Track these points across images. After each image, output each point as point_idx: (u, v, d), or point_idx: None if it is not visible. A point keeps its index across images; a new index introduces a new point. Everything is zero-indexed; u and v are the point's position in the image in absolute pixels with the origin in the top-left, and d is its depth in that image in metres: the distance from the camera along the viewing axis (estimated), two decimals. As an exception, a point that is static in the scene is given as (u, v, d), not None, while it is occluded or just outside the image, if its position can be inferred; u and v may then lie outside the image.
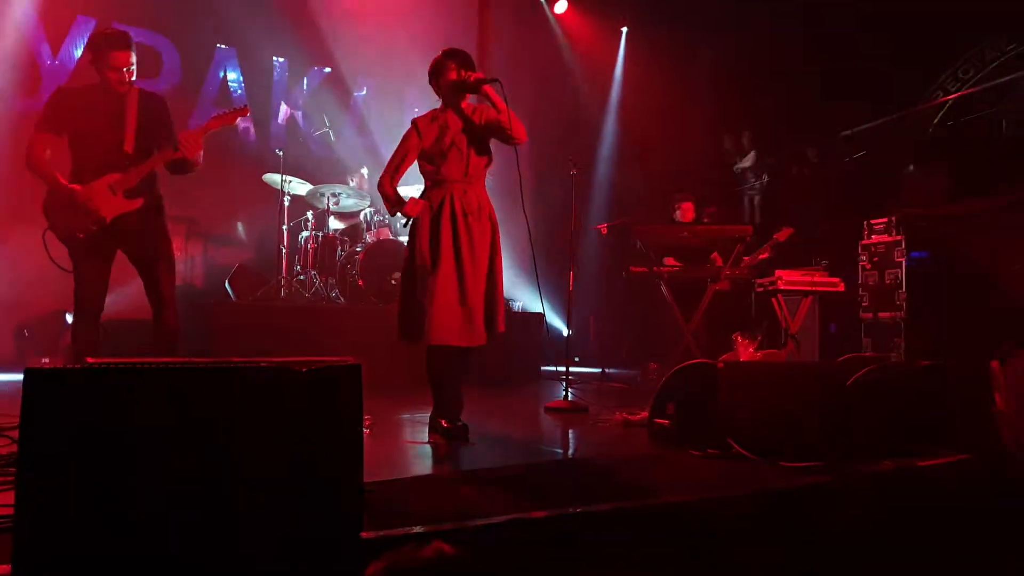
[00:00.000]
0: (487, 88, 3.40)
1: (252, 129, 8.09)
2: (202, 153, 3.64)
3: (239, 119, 3.88)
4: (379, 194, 3.54)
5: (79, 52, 7.28)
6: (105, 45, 3.53)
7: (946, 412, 3.54)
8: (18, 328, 6.60)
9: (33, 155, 3.55)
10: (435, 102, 3.60)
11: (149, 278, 3.70)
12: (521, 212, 3.66)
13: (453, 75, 3.45)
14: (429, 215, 3.42)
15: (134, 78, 3.60)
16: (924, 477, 2.90)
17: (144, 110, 3.64)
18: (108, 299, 3.72)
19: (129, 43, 3.56)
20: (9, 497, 1.64)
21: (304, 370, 1.83)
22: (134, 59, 3.56)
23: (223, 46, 7.97)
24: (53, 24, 7.15)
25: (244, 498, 1.64)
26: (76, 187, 3.51)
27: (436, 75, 3.52)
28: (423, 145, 3.46)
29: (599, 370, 7.07)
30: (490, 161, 3.58)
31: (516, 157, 3.48)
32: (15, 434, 1.81)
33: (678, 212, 6.68)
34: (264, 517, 1.63)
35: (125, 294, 4.56)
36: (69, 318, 6.69)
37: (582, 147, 8.64)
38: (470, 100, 3.57)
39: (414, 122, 3.52)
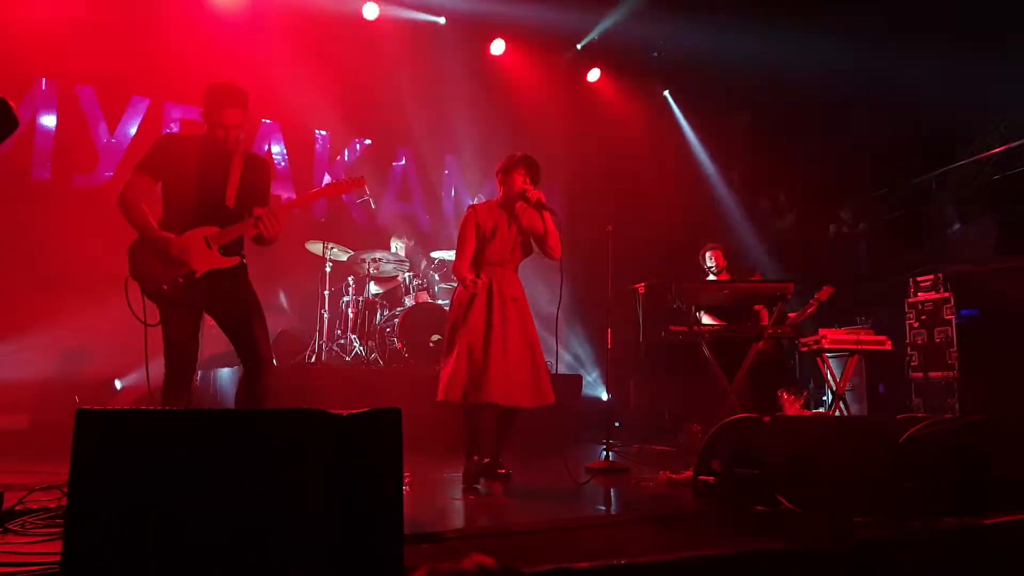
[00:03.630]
0: (545, 213, 3.92)
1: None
2: (280, 229, 3.42)
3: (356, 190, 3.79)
4: (455, 276, 3.97)
5: (133, 131, 7.63)
6: (219, 100, 3.35)
7: (1007, 468, 3.38)
8: (69, 395, 6.72)
9: (129, 196, 3.32)
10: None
11: (244, 338, 3.43)
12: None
13: (520, 180, 3.93)
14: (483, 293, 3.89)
15: (241, 137, 3.46)
16: (990, 535, 2.76)
17: (248, 170, 3.48)
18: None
19: (243, 101, 3.39)
20: (58, 546, 1.65)
21: (346, 414, 1.85)
22: (245, 119, 3.41)
23: (268, 120, 8.29)
24: (110, 104, 7.52)
25: (288, 540, 1.63)
26: (170, 236, 3.30)
27: (505, 172, 3.98)
28: (481, 230, 3.95)
29: (640, 436, 6.93)
30: (529, 253, 4.11)
31: (560, 279, 3.94)
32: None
33: (709, 259, 6.59)
34: (306, 558, 1.62)
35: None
36: (118, 384, 6.84)
37: (618, 205, 8.72)
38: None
39: (474, 208, 4.02)
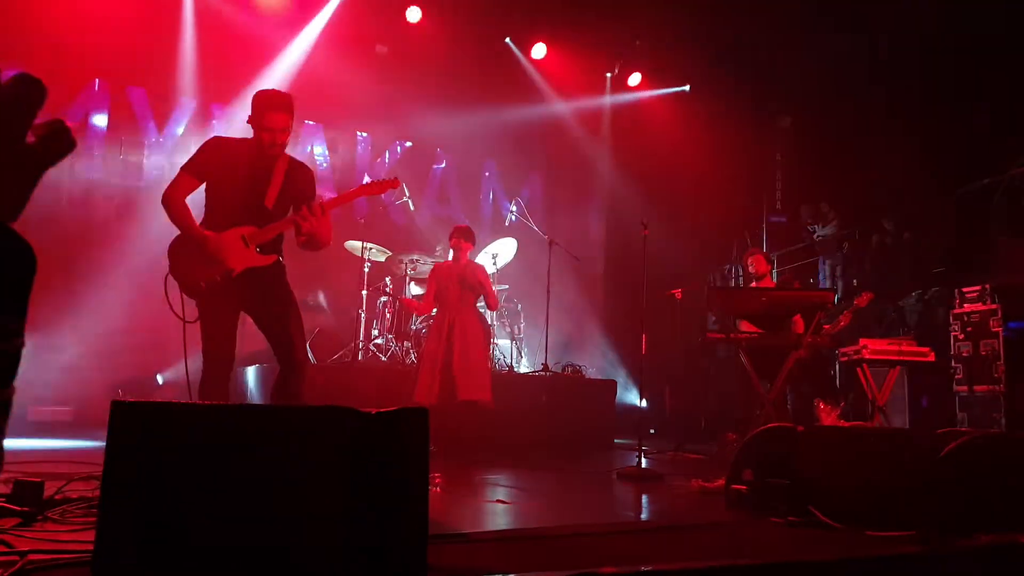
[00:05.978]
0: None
1: (335, 199, 8.44)
2: (327, 229, 3.45)
3: (389, 190, 3.89)
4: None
5: (180, 130, 7.81)
6: (265, 105, 3.40)
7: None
8: (112, 389, 6.90)
9: (174, 194, 3.42)
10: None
11: (280, 336, 3.47)
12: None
13: (457, 242, 5.52)
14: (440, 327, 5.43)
15: (287, 142, 3.49)
16: (1028, 553, 2.67)
17: (290, 175, 3.52)
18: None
19: (289, 106, 3.42)
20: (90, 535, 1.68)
21: (373, 412, 1.87)
22: (290, 123, 3.44)
23: (310, 122, 8.42)
24: (159, 104, 7.72)
25: (312, 534, 1.65)
26: (208, 233, 3.37)
27: (450, 238, 5.59)
28: (439, 283, 5.50)
29: (674, 443, 6.86)
30: (480, 297, 5.57)
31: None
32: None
33: (751, 265, 6.50)
34: (329, 552, 1.64)
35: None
36: (160, 379, 6.99)
37: (654, 209, 8.67)
38: (469, 256, 5.67)
39: (437, 266, 5.67)
